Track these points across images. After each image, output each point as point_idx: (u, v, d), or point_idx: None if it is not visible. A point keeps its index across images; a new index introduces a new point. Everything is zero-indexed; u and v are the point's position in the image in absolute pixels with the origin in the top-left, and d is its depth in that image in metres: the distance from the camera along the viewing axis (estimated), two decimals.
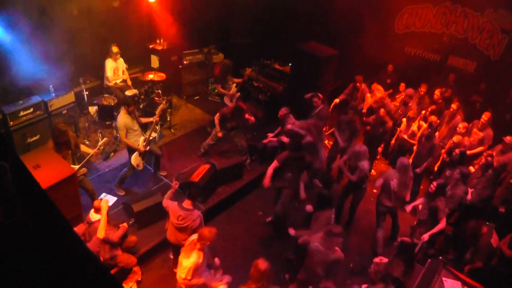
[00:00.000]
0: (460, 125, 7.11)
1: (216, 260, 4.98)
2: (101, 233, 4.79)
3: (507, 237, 5.62)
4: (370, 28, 8.96)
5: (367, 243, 6.50)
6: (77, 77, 7.63)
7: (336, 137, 7.38)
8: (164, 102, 7.31)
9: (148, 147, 6.42)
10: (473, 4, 8.33)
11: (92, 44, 8.23)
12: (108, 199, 5.99)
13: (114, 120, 7.51)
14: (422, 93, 8.11)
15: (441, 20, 8.75)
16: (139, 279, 5.42)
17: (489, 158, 6.37)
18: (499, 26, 8.10)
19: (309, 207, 5.77)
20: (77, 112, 7.55)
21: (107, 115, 7.66)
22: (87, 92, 7.63)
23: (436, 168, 7.27)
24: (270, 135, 7.37)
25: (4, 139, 1.96)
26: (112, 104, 7.58)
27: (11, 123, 6.35)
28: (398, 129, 7.78)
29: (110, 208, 5.50)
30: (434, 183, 5.61)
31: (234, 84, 7.98)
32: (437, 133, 7.35)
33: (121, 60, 8.01)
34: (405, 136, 7.50)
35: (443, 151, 7.21)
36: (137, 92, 7.83)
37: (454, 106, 7.54)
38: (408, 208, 6.00)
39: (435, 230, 5.54)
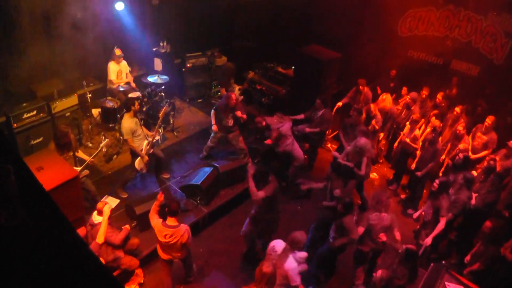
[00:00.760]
0: (460, 127, 7.09)
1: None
2: (100, 239, 4.73)
3: (510, 242, 5.57)
4: (373, 31, 8.96)
5: None
6: (80, 79, 7.66)
7: (341, 140, 7.38)
8: (166, 106, 7.32)
9: (151, 150, 6.44)
10: (476, 7, 8.30)
11: (95, 47, 8.24)
12: (110, 202, 6.01)
13: (117, 122, 7.53)
14: (424, 96, 8.07)
15: (445, 24, 8.73)
16: (141, 281, 5.43)
17: (492, 162, 6.33)
18: (503, 30, 8.07)
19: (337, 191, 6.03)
20: (80, 115, 7.58)
21: (110, 117, 7.69)
22: (90, 95, 7.66)
23: (441, 173, 7.24)
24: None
25: (8, 141, 1.97)
26: (115, 107, 7.61)
27: (15, 125, 6.37)
28: (401, 132, 7.76)
29: (113, 210, 5.49)
30: (437, 181, 5.64)
31: (238, 87, 8.00)
32: (440, 138, 7.33)
33: (124, 63, 8.02)
34: (408, 140, 7.48)
35: (443, 156, 7.21)
36: (140, 95, 7.85)
37: (457, 109, 7.49)
38: (415, 215, 6.11)
39: (435, 232, 5.53)
